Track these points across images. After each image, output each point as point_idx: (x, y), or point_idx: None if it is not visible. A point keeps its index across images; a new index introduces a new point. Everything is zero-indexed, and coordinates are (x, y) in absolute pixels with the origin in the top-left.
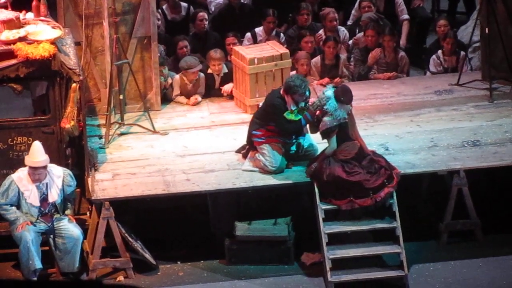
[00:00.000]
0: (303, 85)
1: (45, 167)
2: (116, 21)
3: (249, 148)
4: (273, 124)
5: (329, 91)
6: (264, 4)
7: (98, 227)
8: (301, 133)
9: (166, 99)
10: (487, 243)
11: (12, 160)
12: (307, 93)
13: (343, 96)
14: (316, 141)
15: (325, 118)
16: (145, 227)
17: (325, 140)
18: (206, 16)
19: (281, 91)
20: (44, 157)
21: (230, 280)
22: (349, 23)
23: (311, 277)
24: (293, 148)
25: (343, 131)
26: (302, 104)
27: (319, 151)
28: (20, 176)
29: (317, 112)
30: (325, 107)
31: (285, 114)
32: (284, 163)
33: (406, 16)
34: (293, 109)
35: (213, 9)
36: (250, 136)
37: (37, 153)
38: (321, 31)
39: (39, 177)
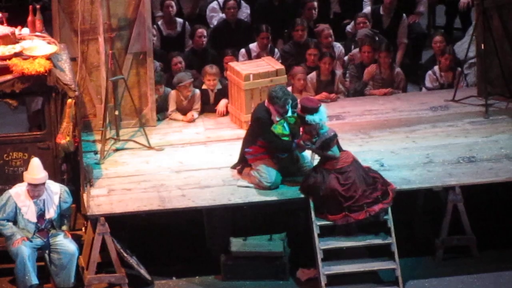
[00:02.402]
0: (283, 98)
1: (44, 183)
2: (112, 37)
3: (244, 164)
4: (261, 139)
5: (311, 117)
6: (261, 20)
7: (94, 243)
8: (290, 149)
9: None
10: (483, 259)
11: (8, 176)
12: (288, 106)
13: (311, 104)
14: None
15: (320, 132)
16: (141, 243)
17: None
18: (204, 33)
19: (266, 102)
20: (44, 173)
21: None
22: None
23: None
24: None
25: (337, 141)
26: (288, 114)
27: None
28: (17, 192)
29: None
30: (318, 126)
31: (272, 128)
32: (279, 178)
33: (405, 40)
34: (277, 119)
35: (215, 23)
36: (243, 154)
37: (36, 169)
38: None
39: (39, 193)
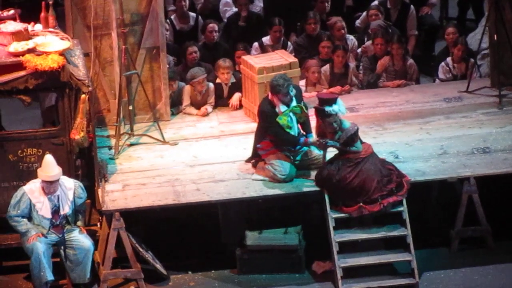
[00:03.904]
0: (286, 84)
1: (58, 180)
2: (125, 32)
3: (258, 159)
4: (268, 132)
5: (330, 108)
6: (273, 13)
7: (109, 238)
8: (296, 143)
9: (174, 104)
10: (498, 249)
11: (22, 172)
12: (291, 92)
13: (329, 96)
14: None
15: (344, 126)
16: (156, 237)
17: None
18: (216, 28)
19: (269, 95)
20: (58, 170)
21: None
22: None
23: (322, 285)
24: (298, 157)
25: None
26: (294, 104)
27: (327, 159)
28: (31, 188)
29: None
30: (338, 117)
31: (277, 119)
32: (293, 170)
33: (415, 31)
34: (282, 110)
35: (228, 16)
36: (255, 149)
37: (50, 166)
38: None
39: (54, 190)
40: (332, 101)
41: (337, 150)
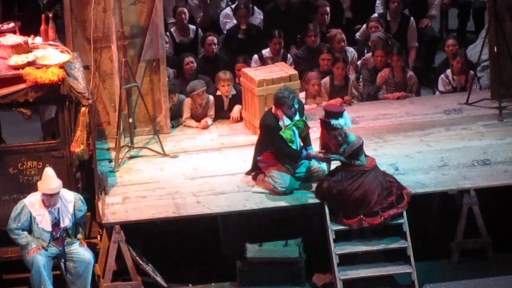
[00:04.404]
0: (291, 96)
1: (59, 193)
2: (125, 44)
3: (258, 171)
4: (271, 146)
5: (336, 121)
6: (273, 26)
7: (109, 251)
8: (299, 158)
9: (174, 116)
10: (498, 261)
11: (23, 185)
12: (296, 105)
13: (335, 108)
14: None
15: (349, 140)
16: (156, 250)
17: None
18: (215, 40)
19: (272, 108)
20: (58, 183)
21: None
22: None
23: None
24: (298, 170)
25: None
26: (297, 118)
27: (327, 171)
28: (32, 201)
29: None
30: (343, 131)
31: (281, 133)
32: (293, 183)
33: (415, 43)
34: (286, 124)
35: (228, 28)
36: (255, 161)
37: (50, 179)
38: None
39: (54, 202)
40: (338, 114)
41: (340, 162)
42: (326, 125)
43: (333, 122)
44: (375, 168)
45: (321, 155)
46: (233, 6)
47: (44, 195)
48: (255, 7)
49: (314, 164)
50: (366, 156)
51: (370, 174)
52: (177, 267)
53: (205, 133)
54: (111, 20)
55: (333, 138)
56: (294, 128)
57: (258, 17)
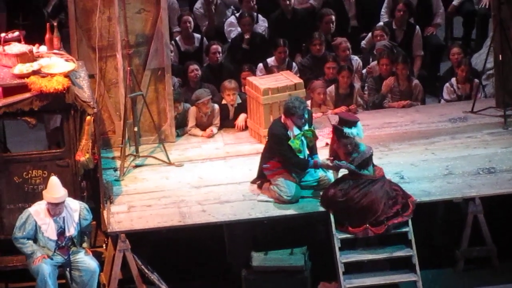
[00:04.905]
0: (302, 107)
1: (64, 202)
2: (130, 53)
3: (263, 179)
4: (278, 155)
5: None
6: (278, 34)
7: (115, 260)
8: (306, 167)
9: (179, 125)
10: (504, 269)
11: (28, 194)
12: (306, 115)
13: (350, 117)
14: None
15: (360, 149)
16: (162, 259)
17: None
18: (219, 49)
19: (282, 117)
20: (63, 192)
21: None
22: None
23: None
24: (309, 178)
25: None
26: (305, 128)
27: (333, 180)
28: (37, 210)
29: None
30: (354, 140)
31: (290, 142)
32: (299, 191)
33: (420, 52)
34: (295, 133)
35: (233, 37)
36: (261, 169)
37: (56, 188)
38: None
39: (59, 211)
40: (352, 124)
41: (348, 171)
42: (338, 132)
43: (346, 130)
44: (383, 178)
45: (328, 162)
46: (237, 14)
47: (49, 204)
48: (259, 15)
49: (321, 172)
50: (374, 166)
51: (377, 184)
52: (182, 275)
53: (210, 141)
54: (116, 29)
55: (343, 146)
56: (302, 138)
57: (262, 25)
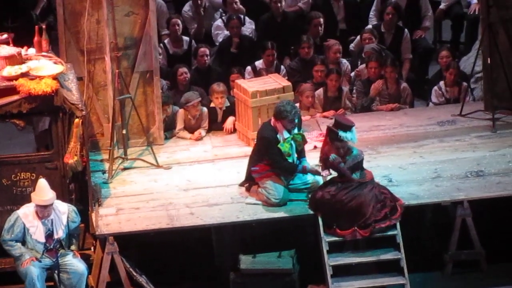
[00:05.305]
0: (293, 111)
1: (52, 204)
2: (118, 56)
3: (251, 182)
4: (267, 158)
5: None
6: (266, 37)
7: (103, 262)
8: (295, 171)
9: (168, 128)
10: (492, 273)
11: (16, 196)
12: (296, 120)
13: (346, 121)
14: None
15: (353, 153)
16: (150, 261)
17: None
18: (207, 52)
19: (272, 120)
20: (52, 194)
21: None
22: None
23: None
24: (297, 181)
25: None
26: (295, 132)
27: (321, 183)
28: (25, 212)
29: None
30: (347, 145)
31: (279, 145)
32: (287, 194)
33: (409, 55)
34: (285, 137)
35: (220, 40)
36: (249, 172)
37: (44, 191)
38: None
39: (48, 214)
40: (347, 128)
41: (338, 174)
42: (332, 135)
43: (341, 133)
44: (372, 181)
45: (317, 168)
46: (224, 17)
47: (37, 206)
48: (246, 17)
49: (309, 176)
50: (364, 169)
51: (366, 187)
52: (170, 278)
53: (199, 144)
54: (105, 31)
55: (335, 149)
56: (292, 141)
57: (249, 27)
